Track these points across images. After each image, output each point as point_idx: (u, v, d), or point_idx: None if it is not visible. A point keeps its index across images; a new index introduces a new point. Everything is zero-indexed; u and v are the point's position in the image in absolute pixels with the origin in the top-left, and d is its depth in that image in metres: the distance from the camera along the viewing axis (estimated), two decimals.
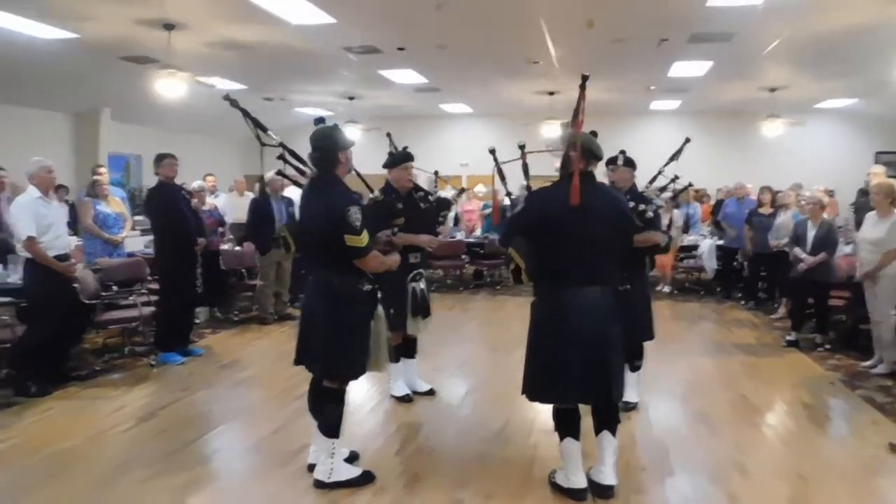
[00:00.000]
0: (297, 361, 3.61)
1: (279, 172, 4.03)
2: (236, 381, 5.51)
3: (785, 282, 7.57)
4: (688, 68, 9.65)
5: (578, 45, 8.76)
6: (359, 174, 4.21)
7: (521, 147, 3.55)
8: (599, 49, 8.87)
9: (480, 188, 12.97)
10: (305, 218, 3.56)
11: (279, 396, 5.04)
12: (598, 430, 3.43)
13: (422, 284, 4.86)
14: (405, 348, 5.01)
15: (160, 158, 5.79)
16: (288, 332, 7.27)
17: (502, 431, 4.33)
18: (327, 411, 3.49)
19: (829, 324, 6.52)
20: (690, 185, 5.14)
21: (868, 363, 5.68)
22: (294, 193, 8.33)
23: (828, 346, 6.32)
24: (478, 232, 11.21)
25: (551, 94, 12.01)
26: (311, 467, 3.60)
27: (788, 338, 6.54)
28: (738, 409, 4.75)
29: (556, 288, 3.28)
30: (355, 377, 3.53)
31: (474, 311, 8.95)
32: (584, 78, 3.21)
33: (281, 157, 3.77)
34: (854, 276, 5.98)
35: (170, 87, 8.14)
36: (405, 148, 4.93)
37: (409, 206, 4.73)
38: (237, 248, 8.43)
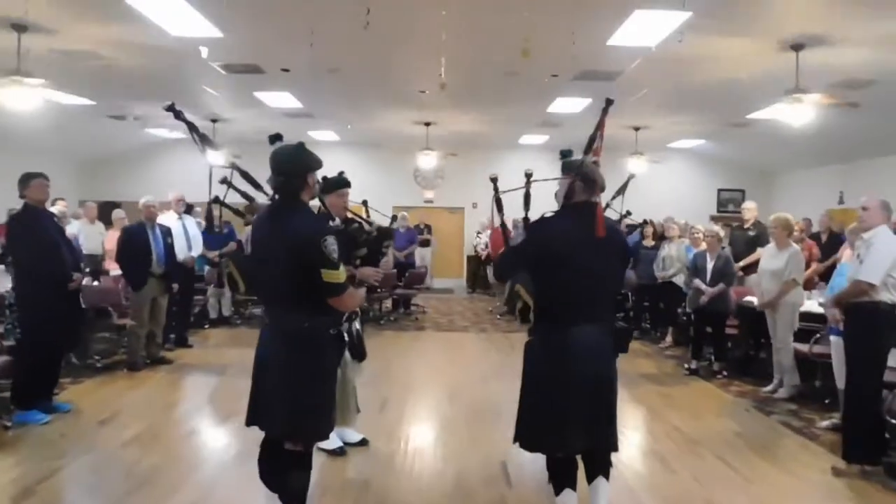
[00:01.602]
0: (250, 422, 3.04)
1: (217, 200, 3.44)
2: (123, 442, 4.62)
3: (673, 312, 7.92)
4: (568, 104, 9.98)
5: (469, 77, 8.74)
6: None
7: (528, 175, 3.25)
8: (490, 82, 8.91)
9: None
10: (262, 251, 3.00)
11: (182, 459, 4.33)
12: (591, 478, 3.19)
13: (357, 324, 4.40)
14: None
15: (27, 179, 4.81)
16: (166, 378, 6.41)
17: (461, 484, 3.96)
18: (293, 480, 2.95)
19: (725, 351, 6.86)
20: (646, 221, 5.16)
21: (769, 388, 6.00)
22: (169, 220, 7.48)
23: (725, 373, 6.62)
24: None
25: (428, 124, 11.93)
26: None
27: (689, 366, 6.79)
28: (678, 441, 4.75)
29: (560, 326, 3.02)
30: (325, 436, 3.02)
31: (386, 346, 8.47)
32: (609, 102, 3.02)
33: (225, 181, 3.21)
34: (747, 305, 6.34)
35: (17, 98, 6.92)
36: (341, 173, 4.50)
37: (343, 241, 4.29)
38: (94, 282, 7.35)
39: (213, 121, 11.92)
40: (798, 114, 6.86)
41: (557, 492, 3.12)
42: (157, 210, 7.00)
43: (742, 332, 6.82)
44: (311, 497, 3.60)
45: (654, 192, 13.50)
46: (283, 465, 2.95)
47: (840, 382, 4.92)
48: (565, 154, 3.28)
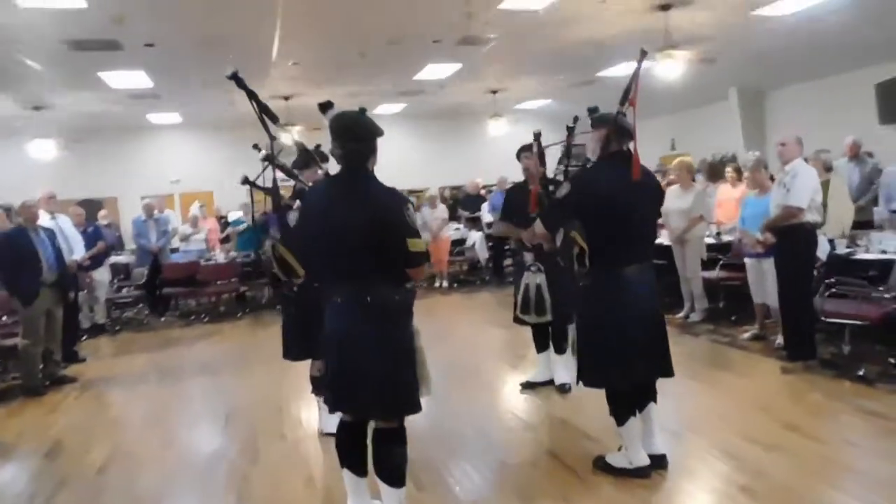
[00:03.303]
0: (335, 408, 2.92)
1: (247, 181, 3.16)
2: (97, 469, 4.09)
3: None
4: (438, 70, 10.11)
5: (344, 47, 8.54)
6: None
7: (570, 129, 3.34)
8: (371, 51, 8.77)
9: (196, 208, 11.80)
10: (330, 225, 2.80)
11: (179, 469, 3.99)
12: (643, 406, 3.47)
13: None
14: None
15: None
16: (86, 395, 5.78)
17: (481, 432, 4.09)
18: (396, 457, 2.87)
19: None
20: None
21: (682, 314, 6.75)
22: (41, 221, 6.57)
23: None
24: (233, 252, 10.12)
25: (287, 98, 11.45)
26: None
27: None
28: None
29: (613, 268, 3.22)
30: (420, 408, 2.97)
31: None
32: (643, 54, 3.19)
33: (267, 159, 2.98)
34: None
35: None
36: (318, 146, 4.28)
37: None
38: None
39: (37, 108, 10.44)
40: (668, 69, 7.62)
41: (622, 422, 3.34)
42: (38, 209, 6.12)
43: None
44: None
45: (507, 154, 14.19)
46: (383, 445, 2.87)
47: (757, 298, 5.71)
48: (593, 110, 3.45)
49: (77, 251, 6.98)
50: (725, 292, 6.71)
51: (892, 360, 4.73)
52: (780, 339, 5.46)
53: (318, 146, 4.32)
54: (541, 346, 5.00)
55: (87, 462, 4.18)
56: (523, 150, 4.84)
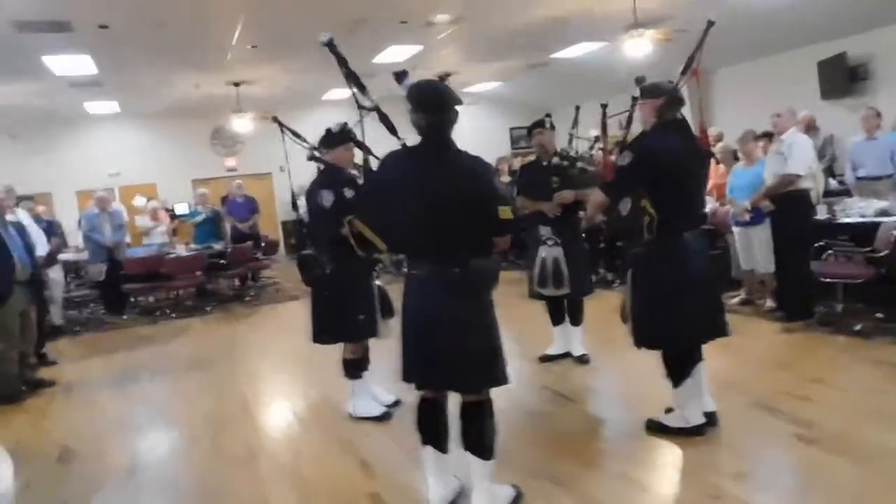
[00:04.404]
0: (424, 385, 2.87)
1: (314, 157, 3.04)
2: (126, 470, 3.88)
3: None
4: (399, 52, 9.98)
5: (308, 27, 8.29)
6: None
7: (635, 98, 3.38)
8: (336, 32, 8.54)
9: (140, 200, 11.32)
10: (419, 198, 2.71)
11: (218, 462, 3.82)
12: (692, 365, 3.58)
13: (379, 280, 4.23)
14: (364, 359, 4.30)
15: None
16: (63, 403, 5.39)
17: (533, 409, 4.12)
18: (489, 430, 2.86)
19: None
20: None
21: None
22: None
23: (619, 282, 7.51)
24: (192, 245, 9.71)
25: (237, 84, 11.04)
26: None
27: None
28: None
29: (676, 233, 3.30)
30: (508, 378, 2.95)
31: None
32: (710, 24, 3.26)
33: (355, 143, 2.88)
34: None
35: None
36: (344, 124, 4.17)
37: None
38: None
39: None
40: (638, 47, 7.83)
41: (679, 382, 3.45)
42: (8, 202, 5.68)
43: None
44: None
45: (462, 134, 14.21)
46: (475, 418, 2.84)
47: (746, 265, 5.98)
48: (641, 80, 3.51)
49: (40, 246, 6.52)
50: None
51: (879, 315, 5.06)
52: (769, 303, 5.75)
53: (344, 124, 4.21)
54: (557, 320, 5.06)
55: (110, 465, 3.95)
56: (535, 127, 4.89)
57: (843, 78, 8.98)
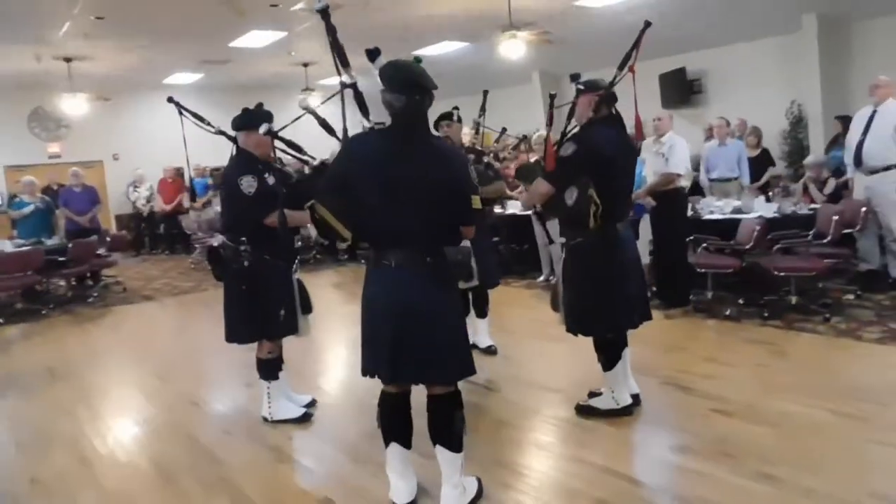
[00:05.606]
0: (392, 378, 2.74)
1: (270, 132, 2.75)
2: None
3: None
4: (259, 38, 9.50)
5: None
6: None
7: (579, 90, 3.44)
8: (195, 9, 7.92)
9: None
10: (392, 183, 2.57)
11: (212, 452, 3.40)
12: (622, 350, 3.76)
13: (298, 274, 4.00)
14: (280, 358, 4.04)
15: None
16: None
17: None
18: (458, 421, 2.78)
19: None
20: (525, 136, 5.62)
21: (542, 278, 7.30)
22: None
23: None
24: (18, 240, 8.51)
25: (69, 60, 9.85)
26: None
27: None
28: (536, 330, 5.40)
29: (613, 223, 3.44)
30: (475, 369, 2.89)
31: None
32: (647, 24, 3.40)
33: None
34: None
35: None
36: (260, 105, 3.87)
37: (280, 179, 3.82)
38: None
39: None
40: (513, 48, 8.10)
41: (611, 366, 3.61)
42: None
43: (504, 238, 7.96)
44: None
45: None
46: (445, 410, 2.76)
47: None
48: (576, 77, 3.61)
49: None
50: None
51: (740, 301, 5.66)
52: None
53: (259, 104, 3.92)
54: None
55: (93, 455, 3.34)
56: (442, 119, 4.85)
57: (682, 90, 9.96)
